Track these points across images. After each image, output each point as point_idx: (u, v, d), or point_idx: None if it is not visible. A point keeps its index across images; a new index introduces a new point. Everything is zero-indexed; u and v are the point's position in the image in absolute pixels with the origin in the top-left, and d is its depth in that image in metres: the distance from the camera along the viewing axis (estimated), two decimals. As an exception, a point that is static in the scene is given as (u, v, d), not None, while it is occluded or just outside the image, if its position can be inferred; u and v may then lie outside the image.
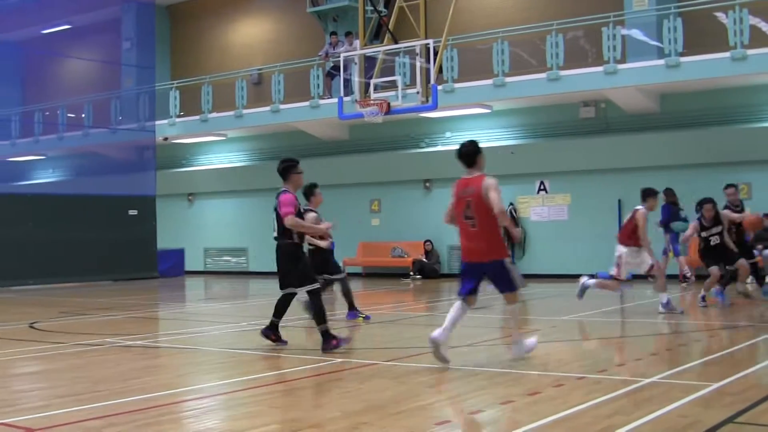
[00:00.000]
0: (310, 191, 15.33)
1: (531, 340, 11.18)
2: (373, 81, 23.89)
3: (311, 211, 14.83)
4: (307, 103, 29.75)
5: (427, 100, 22.49)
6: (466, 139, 11.05)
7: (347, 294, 15.88)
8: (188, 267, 33.95)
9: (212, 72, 34.62)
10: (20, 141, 39.66)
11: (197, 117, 33.08)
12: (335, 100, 26.41)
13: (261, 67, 33.38)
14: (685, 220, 22.03)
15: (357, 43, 26.04)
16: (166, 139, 34.23)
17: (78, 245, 28.71)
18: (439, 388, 9.44)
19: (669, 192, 22.78)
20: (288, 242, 11.99)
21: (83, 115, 38.21)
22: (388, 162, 30.11)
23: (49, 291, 25.63)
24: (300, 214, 12.15)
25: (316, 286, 11.82)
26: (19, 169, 41.39)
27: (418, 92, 22.70)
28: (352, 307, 15.87)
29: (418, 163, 29.72)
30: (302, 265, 12.01)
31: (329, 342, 11.65)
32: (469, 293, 10.59)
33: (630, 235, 16.22)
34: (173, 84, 35.20)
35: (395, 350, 11.87)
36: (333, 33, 30.27)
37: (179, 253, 33.46)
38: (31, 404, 8.86)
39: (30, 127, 39.87)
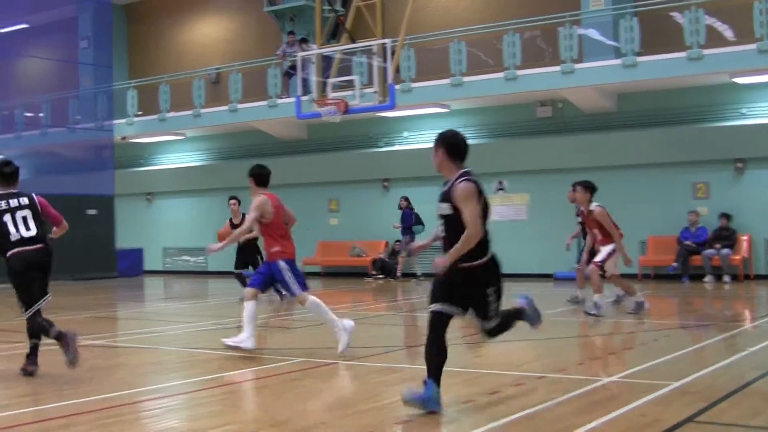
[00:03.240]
0: None
1: (347, 322, 11.61)
2: (330, 80, 23.76)
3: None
4: (264, 103, 29.59)
5: (385, 100, 22.39)
6: None
7: None
8: (147, 266, 33.66)
9: (170, 71, 34.36)
10: (-22, 140, 39.23)
11: (155, 116, 32.81)
12: (293, 99, 26.20)
13: (219, 67, 33.18)
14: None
15: (313, 45, 25.94)
16: (124, 138, 33.96)
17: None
18: (399, 387, 9.23)
19: None
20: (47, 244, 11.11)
21: (41, 115, 37.88)
22: (346, 161, 29.99)
23: (8, 290, 25.26)
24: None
25: None
26: (-24, 168, 40.91)
27: (375, 92, 22.60)
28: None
29: (377, 163, 29.62)
30: None
31: None
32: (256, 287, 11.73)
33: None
34: (131, 83, 34.90)
35: (354, 350, 11.76)
36: (290, 32, 30.08)
37: (138, 253, 33.16)
38: None
39: (-12, 126, 39.48)
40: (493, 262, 7.98)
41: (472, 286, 7.90)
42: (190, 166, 34.20)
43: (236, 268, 19.98)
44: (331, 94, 23.24)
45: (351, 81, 23.67)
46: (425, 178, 27.89)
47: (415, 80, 26.88)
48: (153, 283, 29.70)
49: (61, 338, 10.08)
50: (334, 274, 30.16)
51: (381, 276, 27.84)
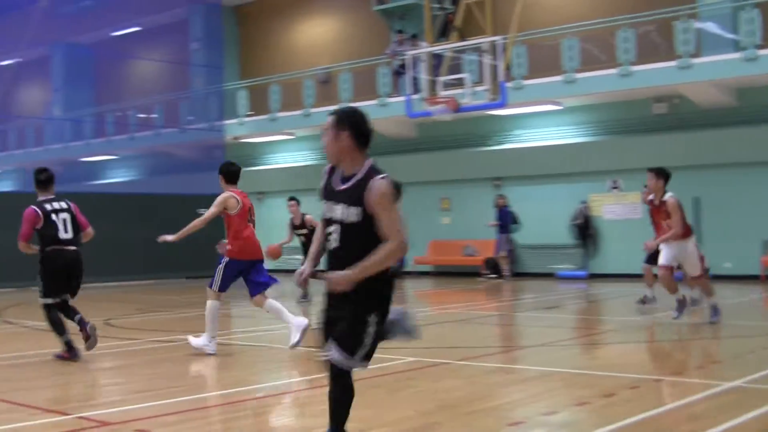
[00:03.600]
0: None
1: (300, 320, 11.76)
2: (440, 79, 23.81)
3: None
4: (374, 102, 29.68)
5: (496, 98, 22.40)
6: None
7: None
8: (261, 265, 34.05)
9: (280, 72, 34.77)
10: (93, 141, 40.27)
11: (266, 116, 33.26)
12: (403, 98, 26.34)
13: (328, 66, 33.41)
14: None
15: (423, 43, 25.97)
16: (235, 138, 34.42)
17: (151, 243, 28.83)
18: (512, 388, 9.40)
19: None
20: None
21: (154, 116, 38.63)
22: (457, 160, 29.95)
23: (125, 288, 25.91)
24: None
25: None
26: (93, 168, 41.96)
27: (486, 90, 22.60)
28: None
29: (488, 161, 29.51)
30: None
31: None
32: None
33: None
34: (242, 84, 35.43)
35: (467, 349, 11.82)
36: (399, 31, 30.19)
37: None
38: (107, 399, 9.18)
39: (102, 128, 40.48)
40: (391, 281, 6.41)
41: (345, 306, 6.26)
42: (300, 166, 34.52)
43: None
44: (442, 93, 23.31)
45: (461, 79, 23.69)
46: (538, 176, 27.84)
47: (527, 77, 26.72)
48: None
49: (84, 325, 11.49)
50: (446, 273, 30.20)
51: (493, 275, 27.71)
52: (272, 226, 35.57)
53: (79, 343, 11.47)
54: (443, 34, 27.29)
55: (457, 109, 23.09)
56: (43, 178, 12.17)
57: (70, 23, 43.00)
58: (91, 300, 22.09)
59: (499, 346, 12.35)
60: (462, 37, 24.94)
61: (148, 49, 41.52)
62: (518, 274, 27.86)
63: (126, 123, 39.48)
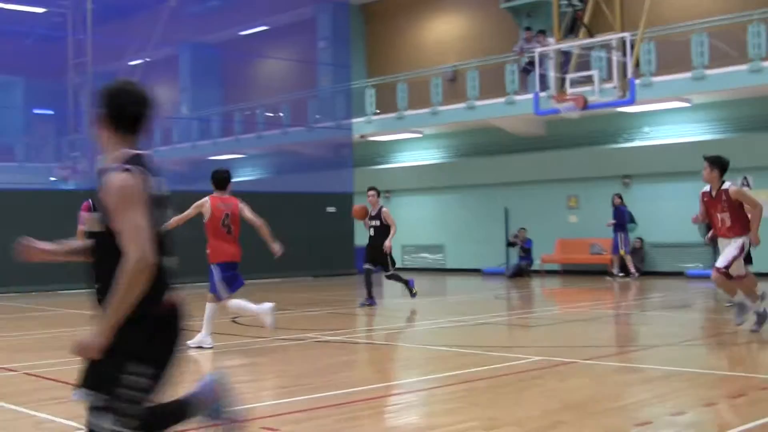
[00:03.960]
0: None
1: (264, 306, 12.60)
2: (568, 76, 24.00)
3: None
4: (502, 99, 29.95)
5: (625, 95, 22.53)
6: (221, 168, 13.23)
7: None
8: (385, 263, 34.58)
9: (407, 69, 35.21)
10: (221, 140, 41.16)
11: (393, 114, 33.70)
12: (531, 95, 26.56)
13: (455, 64, 33.70)
14: None
15: (551, 39, 26.15)
16: (362, 136, 34.91)
17: (278, 241, 29.53)
18: (638, 388, 9.38)
19: None
20: None
21: (281, 114, 39.29)
22: (585, 158, 30.01)
23: (253, 286, 26.44)
24: None
25: None
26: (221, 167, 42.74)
27: (615, 87, 22.73)
28: None
29: (616, 159, 29.52)
30: None
31: None
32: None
33: None
34: (369, 82, 35.93)
35: (594, 348, 11.91)
36: (527, 28, 30.41)
37: (377, 250, 34.07)
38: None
39: (230, 127, 41.32)
40: (173, 318, 4.76)
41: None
42: (428, 164, 34.90)
43: (365, 262, 19.80)
44: (570, 90, 23.50)
45: (590, 76, 23.84)
46: (666, 174, 27.80)
47: (656, 74, 26.72)
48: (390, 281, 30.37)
49: None
50: (573, 272, 30.27)
51: (622, 274, 27.71)
52: (400, 224, 36.08)
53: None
54: (571, 30, 27.40)
55: (585, 106, 23.26)
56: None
57: (197, 23, 44.07)
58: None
59: (625, 345, 12.38)
60: (590, 34, 25.06)
61: (275, 48, 42.31)
62: (647, 273, 27.80)
63: (253, 122, 40.26)
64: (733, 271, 12.76)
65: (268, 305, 12.64)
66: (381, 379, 10.62)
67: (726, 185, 12.95)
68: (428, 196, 35.26)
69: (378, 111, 34.67)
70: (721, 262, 12.87)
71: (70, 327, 15.27)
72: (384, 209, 19.40)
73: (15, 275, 22.43)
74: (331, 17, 38.66)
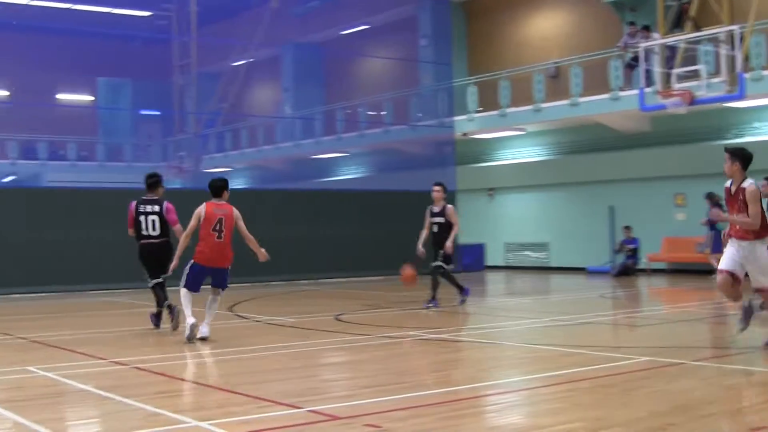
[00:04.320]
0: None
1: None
2: (675, 71, 23.68)
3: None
4: (606, 96, 29.63)
5: (734, 89, 22.18)
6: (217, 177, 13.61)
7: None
8: (489, 262, 34.56)
9: (509, 66, 35.05)
10: (324, 139, 41.47)
11: (495, 112, 33.60)
12: (636, 91, 26.29)
13: (558, 61, 33.49)
14: None
15: (656, 34, 25.81)
16: (465, 134, 34.88)
17: (380, 240, 29.65)
18: (751, 391, 9.21)
19: None
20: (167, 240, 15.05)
21: (383, 113, 39.44)
22: (692, 154, 29.50)
23: (353, 284, 26.60)
24: None
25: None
26: (324, 166, 43.14)
27: (723, 81, 22.36)
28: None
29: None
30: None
31: None
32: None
33: None
34: (471, 80, 35.87)
35: (703, 350, 11.72)
36: (631, 23, 30.04)
37: (480, 248, 34.07)
38: (337, 393, 9.41)
39: (333, 126, 41.63)
40: None
41: None
42: (531, 161, 34.73)
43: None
44: (676, 85, 23.20)
45: (697, 71, 23.49)
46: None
47: (766, 67, 26.13)
48: (495, 278, 30.38)
49: (171, 310, 14.39)
50: (681, 270, 29.79)
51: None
52: (503, 222, 36.02)
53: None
54: (677, 24, 27.04)
55: (692, 101, 22.97)
56: (151, 182, 15.28)
57: (299, 23, 44.51)
58: (322, 296, 23.07)
59: (735, 347, 12.13)
60: (697, 28, 24.73)
61: (377, 46, 42.49)
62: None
63: (355, 120, 40.49)
64: (762, 280, 11.49)
65: (191, 321, 13.01)
66: (483, 377, 10.51)
67: (746, 183, 11.56)
68: (531, 194, 35.05)
69: (480, 108, 34.59)
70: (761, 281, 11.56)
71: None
72: (449, 207, 18.47)
73: (125, 272, 22.84)
74: (432, 15, 38.70)
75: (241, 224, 13.41)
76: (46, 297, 23.02)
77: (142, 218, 14.88)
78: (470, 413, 8.26)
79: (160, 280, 14.91)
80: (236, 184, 48.65)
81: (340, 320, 16.29)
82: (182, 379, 9.88)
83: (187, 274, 13.36)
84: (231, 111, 46.19)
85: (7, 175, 47.01)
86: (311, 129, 42.93)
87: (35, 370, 10.75)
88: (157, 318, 14.93)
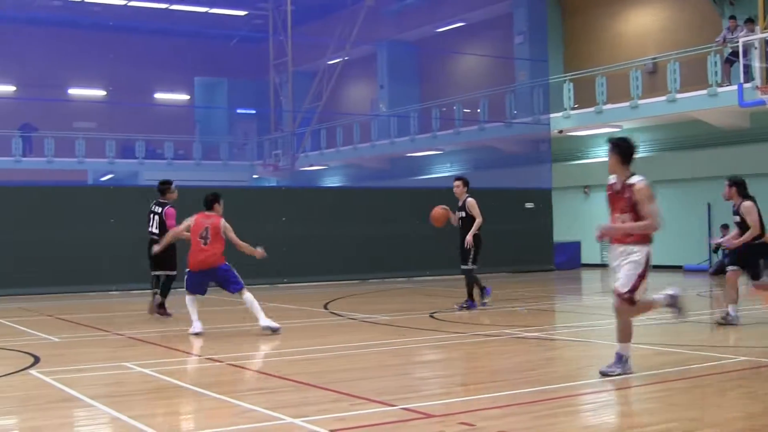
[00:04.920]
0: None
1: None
2: (775, 66, 23.35)
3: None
4: (704, 92, 29.25)
5: (836, 84, 21.74)
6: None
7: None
8: (585, 260, 34.28)
9: (605, 63, 34.81)
10: (419, 137, 41.52)
11: (592, 109, 33.36)
12: (734, 87, 25.92)
13: (655, 56, 33.17)
14: None
15: (757, 28, 25.45)
16: (561, 131, 34.71)
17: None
18: None
19: None
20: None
21: (478, 110, 39.42)
22: (793, 150, 29.04)
23: (447, 282, 26.61)
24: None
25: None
26: (418, 163, 43.24)
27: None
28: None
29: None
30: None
31: None
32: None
33: None
34: (566, 76, 35.64)
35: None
36: (731, 17, 29.60)
37: (576, 246, 33.84)
38: (431, 391, 9.41)
39: (428, 124, 41.69)
40: None
41: None
42: (627, 159, 34.29)
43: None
44: (776, 81, 22.85)
45: (798, 66, 23.14)
46: None
47: None
48: (590, 276, 30.16)
49: (154, 297, 16.88)
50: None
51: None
52: (599, 220, 35.60)
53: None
54: (778, 19, 26.63)
55: (793, 97, 22.62)
56: (161, 188, 17.36)
57: (394, 21, 44.68)
58: (417, 293, 23.15)
59: None
60: (799, 22, 24.36)
61: (472, 43, 42.53)
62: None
63: (450, 118, 40.52)
64: None
65: (196, 328, 14.12)
66: (577, 376, 10.35)
67: (635, 179, 10.63)
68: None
69: (576, 105, 34.40)
70: None
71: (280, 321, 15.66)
72: (469, 200, 17.90)
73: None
74: (527, 11, 38.61)
75: (231, 235, 14.43)
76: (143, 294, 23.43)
77: (150, 216, 17.04)
78: (564, 412, 8.23)
79: (158, 273, 16.91)
80: (331, 182, 49.09)
81: (433, 318, 16.34)
82: (277, 376, 9.97)
83: (185, 280, 14.53)
84: (326, 109, 46.54)
85: (105, 174, 47.92)
86: (406, 127, 43.05)
87: (132, 366, 10.99)
88: (159, 307, 16.80)
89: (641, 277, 10.06)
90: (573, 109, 34.52)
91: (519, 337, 13.51)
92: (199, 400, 8.86)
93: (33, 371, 10.65)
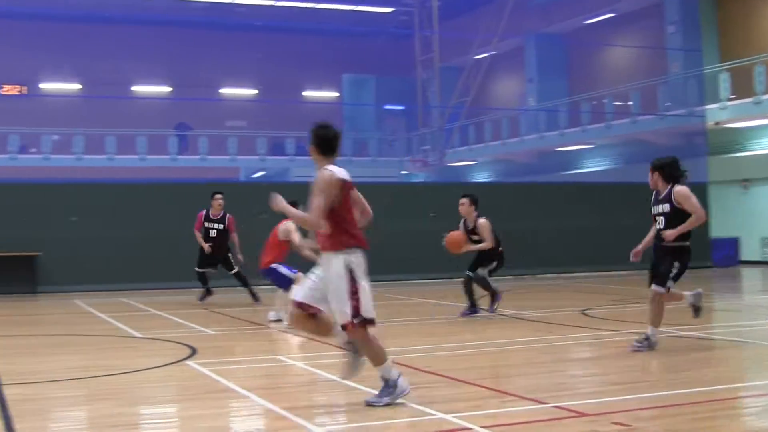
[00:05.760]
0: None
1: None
2: None
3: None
4: None
5: None
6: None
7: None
8: (743, 257, 33.37)
9: (764, 51, 33.81)
10: (568, 131, 41.10)
11: (750, 99, 32.48)
12: None
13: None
14: None
15: None
16: (717, 123, 33.92)
17: (624, 233, 29.15)
18: None
19: None
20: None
21: (630, 103, 38.89)
22: None
23: (600, 278, 26.28)
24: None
25: None
26: (568, 158, 42.83)
27: None
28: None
29: None
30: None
31: None
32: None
33: None
34: (722, 66, 34.80)
35: None
36: None
37: (733, 242, 32.99)
38: (584, 389, 9.28)
39: (577, 117, 41.27)
40: None
41: None
42: (789, 151, 33.39)
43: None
44: None
45: None
46: None
47: None
48: (750, 274, 29.35)
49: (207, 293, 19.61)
50: None
51: None
52: (759, 215, 34.75)
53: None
54: None
55: None
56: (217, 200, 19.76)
57: (542, 13, 44.38)
58: (568, 290, 22.89)
59: None
60: None
61: (622, 35, 41.94)
62: None
63: (601, 111, 40.05)
64: None
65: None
66: (737, 378, 10.15)
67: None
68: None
69: (733, 96, 33.55)
70: None
71: (426, 317, 15.60)
72: (481, 221, 16.08)
73: (384, 264, 23.30)
74: (679, 1, 37.83)
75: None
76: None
77: (208, 226, 19.50)
78: (724, 415, 7.97)
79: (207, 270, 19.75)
80: (479, 177, 48.98)
81: (586, 315, 16.15)
82: (428, 372, 9.94)
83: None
84: (474, 104, 46.42)
85: (257, 171, 48.71)
86: (555, 121, 42.64)
87: (285, 359, 11.26)
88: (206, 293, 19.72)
89: None
90: (730, 100, 33.66)
91: (676, 336, 13.16)
92: (351, 394, 8.83)
93: (190, 362, 10.98)
